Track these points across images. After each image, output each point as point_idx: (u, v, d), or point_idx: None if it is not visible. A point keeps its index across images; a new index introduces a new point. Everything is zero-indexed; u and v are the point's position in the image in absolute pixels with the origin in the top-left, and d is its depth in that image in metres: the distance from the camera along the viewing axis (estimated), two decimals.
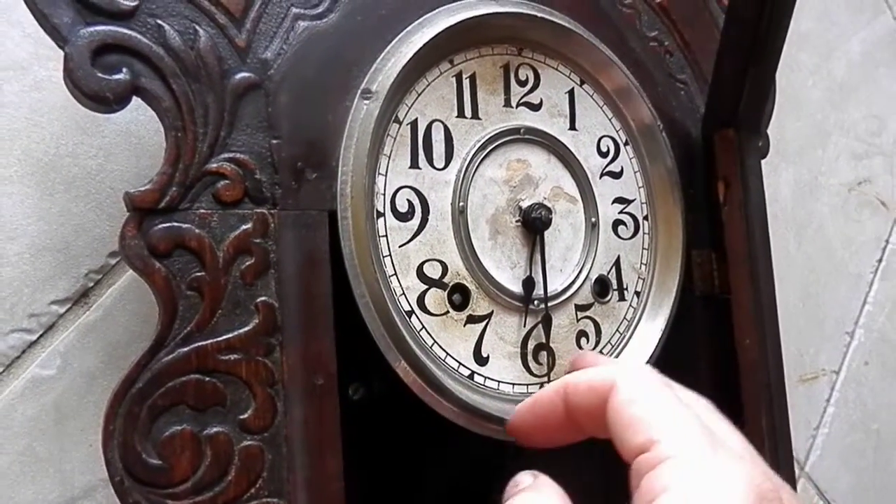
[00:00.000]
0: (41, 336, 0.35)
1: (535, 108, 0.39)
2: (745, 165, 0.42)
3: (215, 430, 0.27)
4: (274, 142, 0.30)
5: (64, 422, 0.35)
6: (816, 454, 0.72)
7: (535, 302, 0.38)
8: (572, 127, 0.41)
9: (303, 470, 0.29)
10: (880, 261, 0.82)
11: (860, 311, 0.79)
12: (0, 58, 0.35)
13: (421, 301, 0.34)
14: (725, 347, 0.44)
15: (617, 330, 0.41)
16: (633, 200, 0.43)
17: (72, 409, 0.35)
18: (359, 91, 0.32)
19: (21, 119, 0.35)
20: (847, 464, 0.74)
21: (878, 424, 0.78)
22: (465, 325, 0.35)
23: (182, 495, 0.26)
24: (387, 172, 0.34)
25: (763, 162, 0.51)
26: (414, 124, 0.35)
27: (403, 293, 0.33)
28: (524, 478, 0.26)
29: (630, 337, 0.42)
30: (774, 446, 0.41)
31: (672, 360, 0.42)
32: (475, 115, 0.37)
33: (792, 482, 0.43)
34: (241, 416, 0.28)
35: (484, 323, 0.36)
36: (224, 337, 0.28)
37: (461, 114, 0.37)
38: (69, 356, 0.35)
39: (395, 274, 0.33)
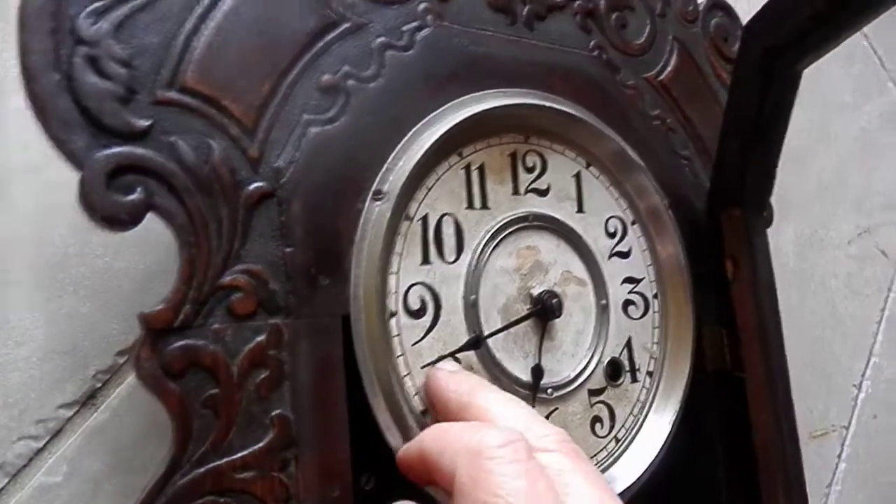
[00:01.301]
0: (48, 442, 0.34)
1: (543, 193, 0.40)
2: (752, 243, 0.42)
3: None
4: (287, 250, 0.30)
5: None
6: None
7: (549, 391, 0.37)
8: (580, 210, 0.41)
9: None
10: (883, 310, 0.82)
11: (867, 362, 0.79)
12: (14, 159, 0.35)
13: None
14: (740, 424, 0.43)
15: (631, 413, 0.41)
16: (642, 279, 0.43)
17: None
18: (370, 193, 0.32)
19: (28, 221, 0.35)
20: None
21: (891, 477, 0.77)
22: None
23: None
24: (398, 271, 0.33)
25: None
26: (425, 220, 0.35)
27: (417, 393, 0.33)
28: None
29: (644, 419, 0.41)
30: None
31: (686, 438, 0.42)
32: (484, 206, 0.37)
33: None
34: None
35: None
36: (239, 455, 0.27)
37: (471, 205, 0.37)
38: (76, 461, 0.35)
39: (410, 373, 0.33)
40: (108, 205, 0.26)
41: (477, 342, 0.35)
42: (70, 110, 0.26)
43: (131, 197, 0.27)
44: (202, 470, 0.27)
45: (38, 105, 0.25)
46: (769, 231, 0.69)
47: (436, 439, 0.26)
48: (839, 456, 0.73)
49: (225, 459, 0.27)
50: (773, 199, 0.66)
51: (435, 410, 0.32)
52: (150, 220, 0.32)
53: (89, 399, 0.35)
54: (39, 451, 0.34)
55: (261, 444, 0.28)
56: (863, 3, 0.29)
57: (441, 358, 0.34)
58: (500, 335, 0.36)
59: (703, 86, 0.48)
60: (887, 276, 0.84)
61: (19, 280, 0.34)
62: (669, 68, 0.46)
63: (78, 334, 0.36)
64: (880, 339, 0.81)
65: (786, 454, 0.42)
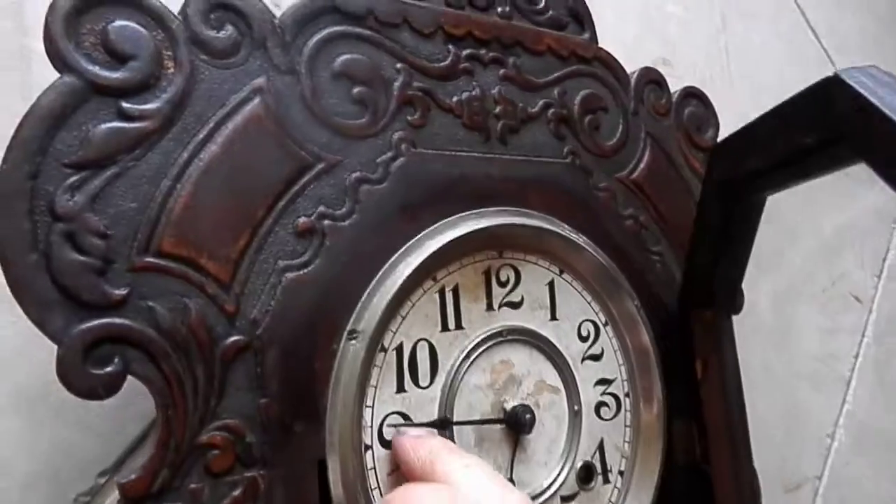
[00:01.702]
0: None
1: (517, 305, 0.40)
2: (721, 345, 0.44)
3: None
4: (262, 401, 0.31)
5: None
6: None
7: None
8: (553, 317, 0.42)
9: None
10: (857, 356, 0.84)
11: (840, 410, 0.81)
12: None
13: None
14: None
15: None
16: (614, 380, 0.44)
17: None
18: (345, 332, 0.33)
19: (8, 349, 0.36)
20: None
21: None
22: None
23: None
24: (374, 404, 0.34)
25: None
26: (399, 349, 0.36)
27: None
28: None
29: None
30: None
31: None
32: (458, 326, 0.38)
33: None
34: None
35: None
36: None
37: (445, 327, 0.37)
38: None
39: None
40: (84, 380, 0.27)
41: (444, 423, 0.36)
42: (48, 290, 0.27)
43: (108, 369, 0.27)
44: None
45: (16, 288, 0.26)
46: (745, 287, 0.71)
47: (402, 502, 0.28)
48: None
49: None
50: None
51: (401, 471, 0.33)
52: None
53: None
54: None
55: None
56: (824, 158, 0.30)
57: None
58: (474, 451, 0.37)
59: (676, 178, 0.49)
60: (861, 321, 0.86)
61: (2, 409, 0.35)
62: (642, 165, 0.47)
63: (60, 460, 0.36)
64: (853, 384, 0.83)
65: None
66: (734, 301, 0.45)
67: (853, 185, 0.85)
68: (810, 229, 0.82)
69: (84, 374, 0.27)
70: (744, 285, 0.58)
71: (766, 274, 0.77)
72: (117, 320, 0.28)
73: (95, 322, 0.27)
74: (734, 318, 0.56)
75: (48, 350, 0.36)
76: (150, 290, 0.29)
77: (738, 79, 0.78)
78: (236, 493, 0.29)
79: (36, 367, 0.36)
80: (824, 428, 0.78)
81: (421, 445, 0.32)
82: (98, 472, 0.37)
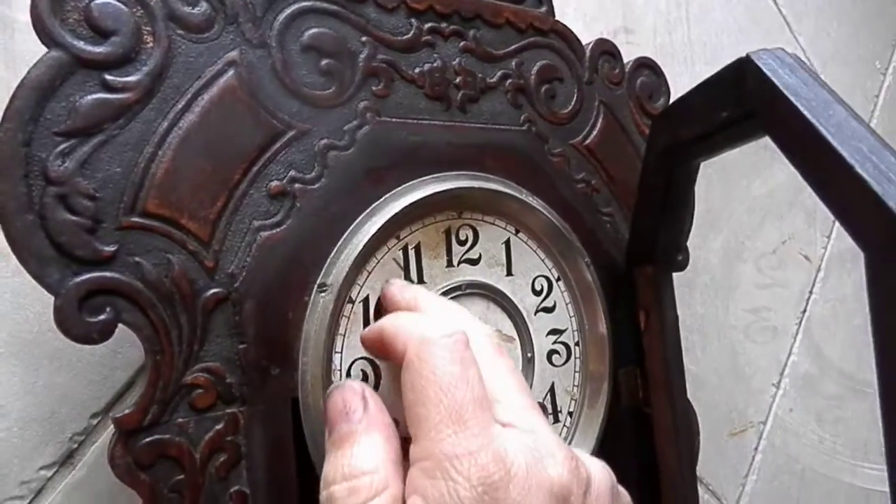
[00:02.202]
0: (32, 500, 0.39)
1: (475, 262, 0.44)
2: (662, 298, 0.48)
3: None
4: (241, 346, 0.34)
5: None
6: (745, 500, 0.79)
7: None
8: (509, 273, 0.46)
9: None
10: (804, 312, 0.90)
11: (786, 361, 0.86)
12: None
13: None
14: (649, 455, 0.49)
15: None
16: (565, 330, 0.48)
17: None
18: (315, 286, 0.37)
19: (6, 302, 0.39)
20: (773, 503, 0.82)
21: (801, 465, 0.86)
22: None
23: None
24: (342, 350, 0.38)
25: (694, 234, 0.56)
26: (366, 301, 0.39)
27: None
28: (354, 403, 0.29)
29: None
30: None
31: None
32: (420, 281, 0.42)
33: None
34: None
35: None
36: None
37: (408, 281, 0.41)
38: None
39: None
40: (81, 327, 0.30)
41: None
42: (44, 247, 0.30)
43: (101, 317, 0.30)
44: None
45: (15, 245, 0.29)
46: (698, 246, 0.75)
47: (393, 324, 0.31)
48: (756, 448, 0.82)
49: None
50: (702, 214, 0.72)
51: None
52: None
53: (67, 459, 0.40)
54: None
55: None
56: (741, 131, 0.34)
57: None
58: None
59: (627, 144, 0.53)
60: (809, 279, 0.91)
61: (1, 356, 0.38)
62: (595, 132, 0.51)
63: (55, 402, 0.40)
64: (800, 338, 0.89)
65: (685, 481, 0.48)
66: (674, 259, 0.49)
67: None
68: (762, 190, 0.86)
69: (80, 321, 0.30)
70: (696, 243, 0.62)
71: (718, 232, 0.81)
72: (107, 274, 0.31)
73: (88, 276, 0.30)
74: (687, 274, 0.60)
75: (42, 303, 0.39)
76: (136, 246, 0.32)
77: (699, 46, 0.81)
78: (219, 426, 0.33)
79: (31, 318, 0.39)
80: (770, 377, 0.84)
81: (407, 289, 0.37)
82: (91, 414, 0.41)
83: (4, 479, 0.38)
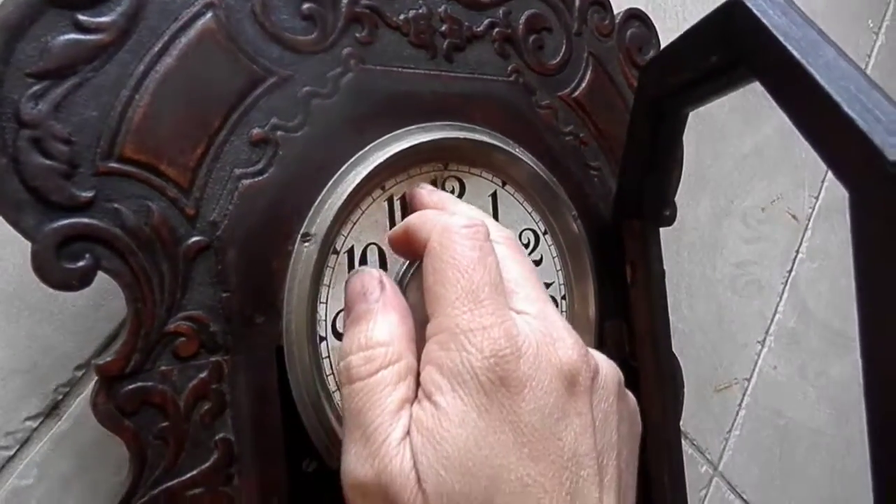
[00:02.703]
0: (18, 450, 0.39)
1: None
2: (648, 252, 0.48)
3: None
4: (224, 295, 0.34)
5: None
6: (729, 454, 0.81)
7: None
8: None
9: None
10: (790, 271, 0.90)
11: (771, 319, 0.87)
12: None
13: None
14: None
15: None
16: (552, 283, 0.48)
17: None
18: (299, 235, 0.36)
19: None
20: (756, 458, 0.84)
21: (784, 420, 0.87)
22: None
23: None
24: (327, 300, 0.38)
25: (683, 192, 0.57)
26: (350, 251, 0.39)
27: None
28: (371, 286, 0.31)
29: None
30: (673, 499, 0.48)
31: None
32: None
33: None
34: None
35: None
36: (189, 475, 0.32)
37: None
38: (45, 466, 0.39)
39: (338, 390, 0.38)
40: (59, 274, 0.30)
41: None
42: (19, 191, 0.29)
43: (80, 263, 0.30)
44: (156, 491, 0.32)
45: None
46: (686, 204, 0.75)
47: (418, 218, 0.33)
48: (739, 404, 0.83)
49: (176, 480, 0.32)
50: (692, 172, 0.72)
51: None
52: None
53: (52, 410, 0.40)
54: (10, 458, 0.38)
55: (207, 464, 0.33)
56: (730, 77, 0.33)
57: None
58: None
59: (616, 96, 0.52)
60: (796, 239, 0.92)
61: None
62: (584, 85, 0.50)
63: (38, 354, 0.39)
64: (786, 296, 0.89)
65: (669, 435, 0.49)
66: (661, 212, 0.49)
67: None
68: (752, 149, 0.86)
69: (58, 268, 0.29)
70: (684, 201, 0.62)
71: (706, 191, 0.81)
72: (85, 220, 0.30)
73: (65, 221, 0.30)
74: (675, 231, 0.60)
75: (22, 254, 0.39)
76: (114, 192, 0.31)
77: (690, 1, 0.80)
78: (203, 375, 0.33)
79: (10, 269, 0.39)
80: (755, 335, 0.85)
81: (435, 192, 0.38)
82: (75, 366, 0.40)
83: None
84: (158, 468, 0.32)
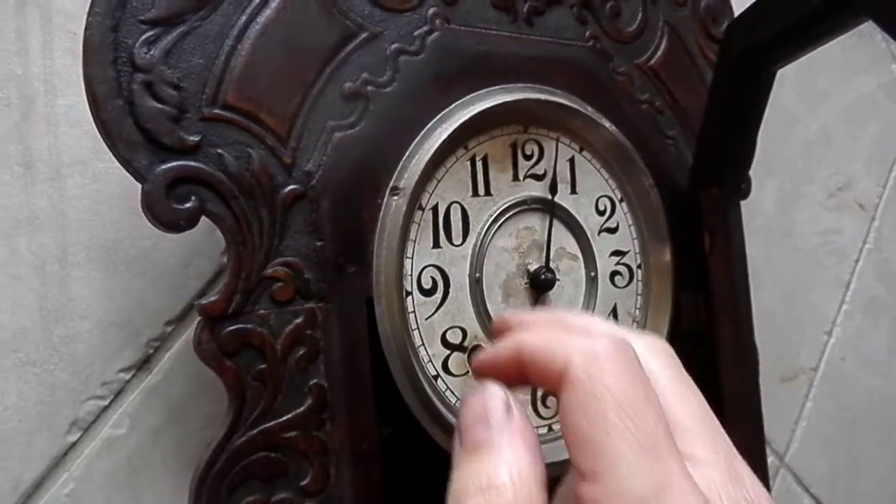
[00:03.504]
0: (112, 401, 0.40)
1: (540, 178, 0.44)
2: (728, 220, 0.47)
3: (281, 496, 0.33)
4: (318, 244, 0.34)
5: (136, 474, 0.40)
6: (795, 446, 0.79)
7: None
8: (573, 191, 0.45)
9: None
10: (857, 261, 0.88)
11: (838, 310, 0.85)
12: (64, 156, 0.39)
13: (445, 365, 0.39)
14: (712, 379, 0.49)
15: None
16: (627, 252, 0.48)
17: (142, 462, 0.40)
18: (388, 189, 0.37)
19: (84, 209, 0.40)
20: (823, 452, 0.81)
21: (852, 414, 0.84)
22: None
23: None
24: (413, 255, 0.38)
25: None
26: (435, 209, 0.39)
27: (430, 360, 0.38)
28: (495, 408, 0.23)
29: None
30: (753, 469, 0.46)
31: None
32: (487, 193, 0.41)
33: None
34: (302, 483, 0.33)
35: None
36: (285, 418, 0.33)
37: (475, 193, 0.41)
38: (136, 417, 0.40)
39: (423, 344, 0.38)
40: (168, 213, 0.30)
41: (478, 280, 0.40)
42: (133, 132, 0.30)
43: (187, 205, 0.31)
44: (255, 431, 0.32)
45: (105, 130, 0.29)
46: (753, 189, 0.73)
47: (539, 339, 0.25)
48: (806, 395, 0.80)
49: (273, 422, 0.33)
50: (758, 157, 0.70)
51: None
52: None
53: (144, 363, 0.41)
54: (105, 408, 0.40)
55: (301, 409, 0.33)
56: (833, 21, 0.33)
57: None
58: (501, 307, 0.42)
59: (691, 67, 0.51)
60: (863, 229, 0.89)
61: (80, 262, 0.39)
62: (659, 53, 0.49)
63: (132, 308, 0.41)
64: (853, 287, 0.87)
65: (748, 404, 0.48)
66: (742, 179, 0.48)
67: (867, 102, 0.87)
68: (820, 137, 0.84)
69: (167, 208, 0.30)
70: (753, 186, 0.61)
71: (774, 176, 0.79)
72: (192, 163, 0.31)
73: (174, 163, 0.31)
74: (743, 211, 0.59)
75: (119, 211, 0.40)
76: (218, 138, 0.32)
77: None
78: (298, 320, 0.34)
79: (108, 225, 0.40)
80: (822, 325, 0.83)
81: (521, 311, 0.33)
82: (165, 321, 0.42)
83: (88, 379, 0.39)
84: (257, 409, 0.32)
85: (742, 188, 0.53)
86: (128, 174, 0.31)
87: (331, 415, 0.34)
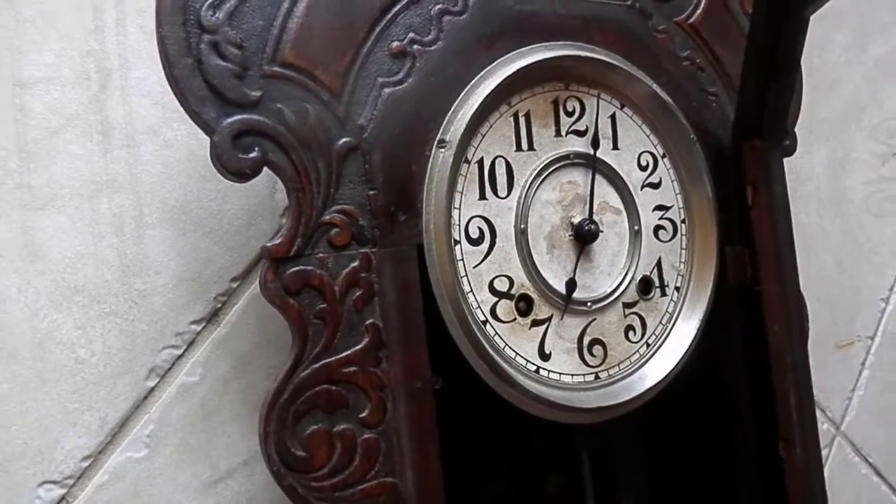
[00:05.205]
0: (185, 350, 0.43)
1: (582, 134, 0.45)
2: (770, 171, 0.48)
3: (342, 427, 0.35)
4: (371, 193, 0.37)
5: (208, 418, 0.43)
6: (852, 414, 0.77)
7: (588, 304, 0.44)
8: (615, 147, 0.46)
9: (409, 454, 0.36)
10: None
11: (895, 277, 0.83)
12: (138, 124, 0.42)
13: (493, 311, 0.41)
14: (757, 332, 0.49)
15: (660, 322, 0.47)
16: (671, 207, 0.49)
17: (213, 407, 0.43)
18: (435, 141, 0.39)
19: (157, 174, 0.43)
20: (881, 421, 0.79)
21: None
22: (530, 329, 0.42)
23: (322, 478, 0.34)
24: (460, 206, 0.40)
25: (798, 142, 0.55)
26: (480, 162, 0.41)
27: (479, 306, 0.40)
28: None
29: (672, 328, 0.48)
30: (802, 421, 0.47)
31: (710, 346, 0.48)
32: (531, 148, 0.43)
33: (817, 452, 0.48)
34: (361, 415, 0.35)
35: (545, 325, 0.43)
36: (344, 354, 0.35)
37: (519, 147, 0.43)
38: (208, 365, 0.43)
39: (472, 291, 0.40)
40: (235, 162, 0.33)
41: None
42: (202, 88, 0.33)
43: (251, 155, 0.34)
44: (317, 365, 0.35)
45: (177, 86, 0.32)
46: (801, 154, 0.73)
47: None
48: (863, 364, 0.79)
49: (334, 357, 0.35)
50: (807, 123, 0.70)
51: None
52: None
53: (213, 317, 0.44)
54: (179, 357, 0.43)
55: (359, 346, 0.36)
56: None
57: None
58: (546, 258, 0.43)
59: (731, 24, 0.52)
60: None
61: (153, 222, 0.43)
62: (699, 11, 0.50)
63: (201, 265, 0.44)
64: None
65: (795, 358, 0.48)
66: (782, 130, 0.48)
67: None
68: (872, 103, 0.82)
69: (234, 157, 0.33)
70: (800, 152, 0.61)
71: (824, 143, 0.78)
72: (255, 116, 0.34)
73: (239, 116, 0.33)
74: (791, 183, 0.58)
75: (187, 174, 0.43)
76: (278, 93, 0.35)
77: None
78: (354, 264, 0.36)
79: (178, 187, 0.43)
80: (879, 293, 0.81)
81: None
82: (231, 278, 0.45)
83: (163, 330, 0.43)
84: (318, 345, 0.35)
85: (786, 144, 0.53)
86: (194, 141, 0.34)
87: (386, 353, 0.36)
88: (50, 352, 0.40)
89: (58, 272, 0.40)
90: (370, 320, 0.36)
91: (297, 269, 0.35)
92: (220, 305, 0.44)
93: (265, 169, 0.35)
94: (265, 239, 0.46)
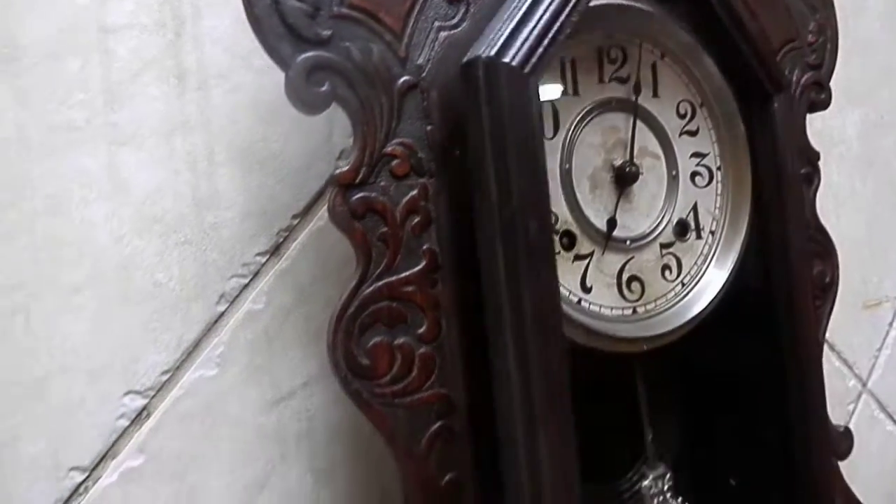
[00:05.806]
0: (251, 280, 0.47)
1: (624, 81, 0.47)
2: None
3: (402, 340, 0.38)
4: (428, 128, 0.40)
5: (272, 342, 0.47)
6: (878, 373, 0.79)
7: (627, 242, 0.47)
8: (655, 95, 0.49)
9: (462, 368, 0.39)
10: None
11: None
12: (209, 69, 0.45)
13: None
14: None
15: (695, 263, 0.50)
16: (707, 154, 0.51)
17: (276, 333, 0.47)
18: None
19: (225, 116, 0.46)
20: None
21: None
22: (572, 263, 0.45)
23: (384, 385, 0.37)
24: None
25: (832, 105, 0.57)
26: None
27: None
28: None
29: (707, 269, 0.50)
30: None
31: (742, 287, 0.51)
32: (575, 92, 0.46)
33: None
34: (419, 331, 0.39)
35: (587, 260, 0.45)
36: (404, 275, 0.38)
37: (564, 92, 0.45)
38: (271, 294, 0.47)
39: None
40: (308, 95, 0.36)
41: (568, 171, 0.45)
42: (278, 26, 0.36)
43: (322, 89, 0.37)
44: (380, 283, 0.38)
45: (256, 23, 0.35)
46: (833, 116, 0.74)
47: None
48: (890, 324, 0.81)
49: (394, 277, 0.38)
50: (839, 85, 0.71)
51: None
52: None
53: (276, 250, 0.47)
54: (246, 286, 0.46)
55: (418, 268, 0.39)
56: None
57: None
58: (589, 197, 0.46)
59: None
60: None
61: (223, 161, 0.46)
62: None
63: (265, 201, 0.47)
64: None
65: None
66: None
67: None
68: None
69: (307, 91, 0.36)
70: (832, 113, 0.62)
71: (857, 106, 0.79)
72: (326, 53, 0.37)
73: (311, 53, 0.36)
74: (824, 144, 0.59)
75: (252, 118, 0.46)
76: (346, 33, 0.38)
77: None
78: (413, 192, 0.39)
79: (244, 130, 0.47)
80: None
81: None
82: (292, 215, 0.48)
83: (231, 260, 0.46)
84: (381, 266, 0.38)
85: (822, 98, 0.55)
86: (259, 87, 0.36)
87: (442, 276, 0.39)
88: (132, 275, 0.43)
89: (139, 203, 0.44)
90: (427, 245, 0.39)
91: (362, 195, 0.38)
92: (282, 240, 0.47)
93: (327, 110, 0.38)
94: (323, 179, 0.49)
